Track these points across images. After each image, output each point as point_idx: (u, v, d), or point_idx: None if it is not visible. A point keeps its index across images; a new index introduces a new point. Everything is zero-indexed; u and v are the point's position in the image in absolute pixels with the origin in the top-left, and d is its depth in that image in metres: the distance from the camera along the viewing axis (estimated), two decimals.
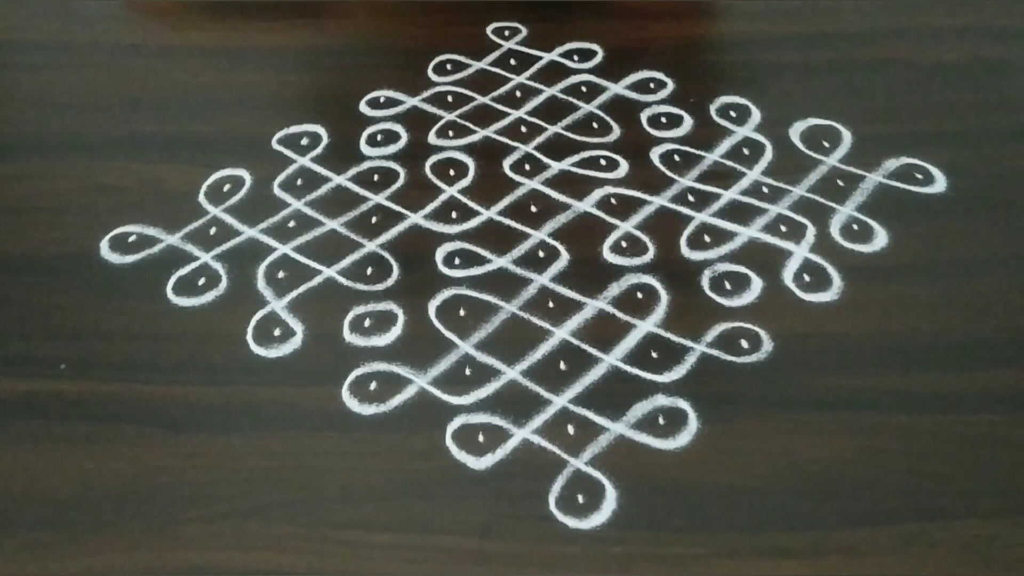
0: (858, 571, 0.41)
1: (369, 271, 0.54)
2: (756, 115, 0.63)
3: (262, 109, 0.65)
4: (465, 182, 0.59)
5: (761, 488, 0.44)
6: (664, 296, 0.52)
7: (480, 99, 0.65)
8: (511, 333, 0.50)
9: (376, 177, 0.60)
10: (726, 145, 0.61)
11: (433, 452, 0.45)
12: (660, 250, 0.54)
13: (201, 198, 0.58)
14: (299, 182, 0.59)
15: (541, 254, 0.55)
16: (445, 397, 0.48)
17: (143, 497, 0.44)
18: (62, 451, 0.46)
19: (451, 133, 0.62)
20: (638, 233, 0.55)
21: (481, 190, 0.58)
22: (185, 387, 0.49)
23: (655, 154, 0.60)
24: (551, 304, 0.52)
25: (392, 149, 0.62)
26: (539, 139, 0.62)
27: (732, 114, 0.63)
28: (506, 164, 0.60)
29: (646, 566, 0.41)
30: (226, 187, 0.59)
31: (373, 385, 0.48)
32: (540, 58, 0.68)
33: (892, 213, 0.56)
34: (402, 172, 0.60)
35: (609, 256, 0.54)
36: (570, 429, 0.46)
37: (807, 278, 0.53)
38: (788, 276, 0.53)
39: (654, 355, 0.49)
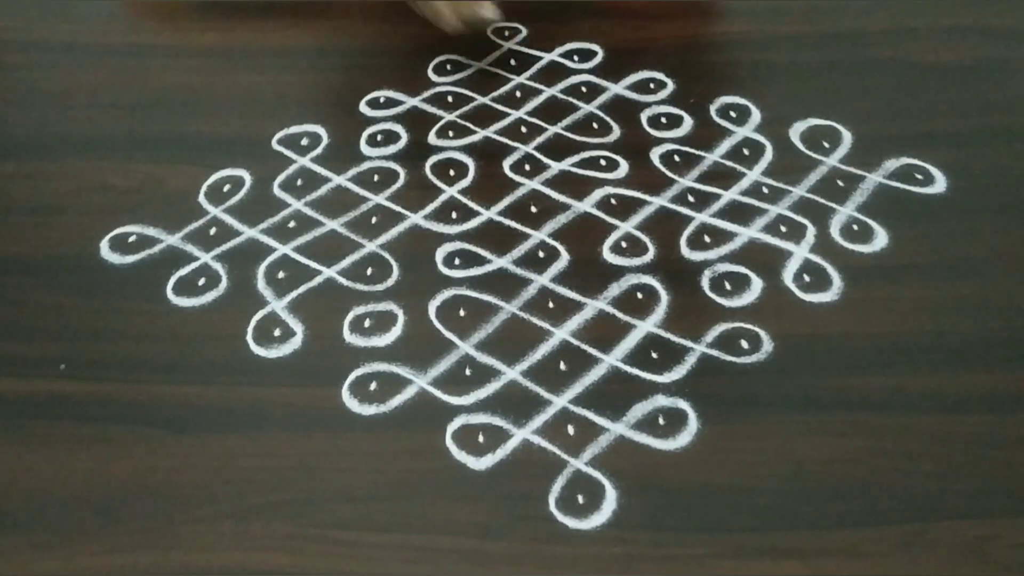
0: (858, 571, 0.41)
1: (369, 271, 0.54)
2: (756, 115, 0.63)
3: (262, 109, 0.65)
4: (465, 182, 0.59)
5: (761, 488, 0.44)
6: (664, 296, 0.52)
7: (480, 99, 0.65)
8: (511, 333, 0.50)
9: (376, 177, 0.60)
10: (726, 145, 0.61)
11: (433, 452, 0.45)
12: (660, 250, 0.54)
13: (201, 198, 0.58)
14: (299, 182, 0.59)
15: (541, 254, 0.54)
16: (445, 397, 0.48)
17: (143, 497, 0.44)
18: (62, 451, 0.46)
19: (451, 133, 0.62)
20: (638, 233, 0.55)
21: (481, 190, 0.58)
22: (185, 387, 0.49)
23: (655, 154, 0.60)
24: (551, 304, 0.52)
25: (392, 149, 0.62)
26: (539, 139, 0.62)
27: (732, 114, 0.63)
28: (506, 164, 0.60)
29: (646, 566, 0.41)
30: (226, 187, 0.59)
31: (373, 385, 0.48)
32: (540, 58, 0.68)
33: (892, 213, 0.56)
34: (402, 172, 0.60)
35: (609, 256, 0.54)
36: (570, 429, 0.46)
37: (807, 278, 0.53)
38: (788, 276, 0.53)
39: (654, 355, 0.49)
